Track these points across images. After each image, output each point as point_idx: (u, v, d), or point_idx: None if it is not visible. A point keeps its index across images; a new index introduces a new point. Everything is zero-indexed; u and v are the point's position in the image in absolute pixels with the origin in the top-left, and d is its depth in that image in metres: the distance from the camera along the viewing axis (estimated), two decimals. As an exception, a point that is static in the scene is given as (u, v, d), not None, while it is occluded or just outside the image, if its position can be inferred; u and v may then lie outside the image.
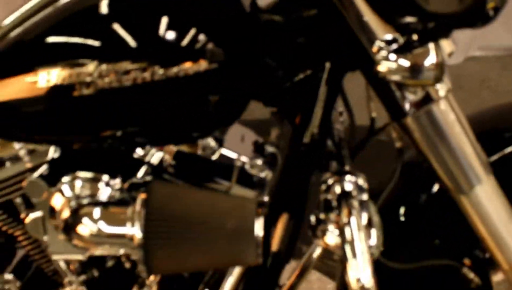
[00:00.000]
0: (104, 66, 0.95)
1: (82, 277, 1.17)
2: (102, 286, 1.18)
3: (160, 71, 0.94)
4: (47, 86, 0.98)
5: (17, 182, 1.12)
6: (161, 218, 0.97)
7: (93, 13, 0.96)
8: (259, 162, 1.09)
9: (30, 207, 1.12)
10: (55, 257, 1.12)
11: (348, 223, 0.91)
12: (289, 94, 1.07)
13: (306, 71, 1.04)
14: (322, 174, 1.07)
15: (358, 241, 0.91)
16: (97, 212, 1.02)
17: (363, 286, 0.90)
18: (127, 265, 1.17)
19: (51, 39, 0.99)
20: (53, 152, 1.09)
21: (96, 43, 0.97)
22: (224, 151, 1.09)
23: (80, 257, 1.11)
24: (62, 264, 1.15)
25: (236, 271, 1.10)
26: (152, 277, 1.15)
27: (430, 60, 0.88)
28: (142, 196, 0.98)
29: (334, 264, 1.20)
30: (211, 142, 1.09)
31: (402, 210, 1.16)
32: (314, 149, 1.06)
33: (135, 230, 0.98)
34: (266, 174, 1.09)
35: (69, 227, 1.04)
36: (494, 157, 1.09)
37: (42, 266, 1.20)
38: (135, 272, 1.19)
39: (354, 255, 0.91)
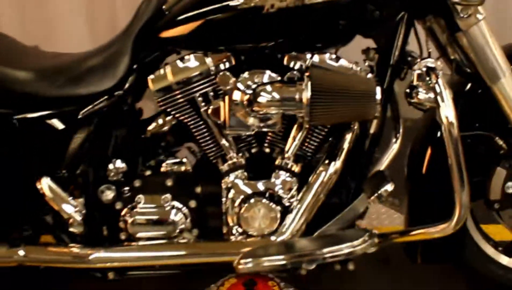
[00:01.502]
0: None
1: (240, 155, 1.75)
2: (251, 164, 1.76)
3: None
4: (244, 7, 1.61)
5: (204, 82, 1.71)
6: (321, 85, 1.59)
7: None
8: (363, 70, 1.74)
9: (208, 102, 1.72)
10: (230, 133, 1.70)
11: (437, 82, 1.57)
12: (380, 31, 1.73)
13: (390, 18, 1.71)
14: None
15: (445, 91, 1.56)
16: (269, 88, 1.63)
17: (451, 121, 1.54)
18: (267, 150, 1.76)
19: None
20: (231, 59, 1.69)
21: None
22: (342, 61, 1.72)
23: (248, 132, 1.70)
24: (227, 145, 1.74)
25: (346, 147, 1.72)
26: (287, 154, 1.74)
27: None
28: (307, 73, 1.61)
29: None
30: (333, 55, 1.72)
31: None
32: (397, 66, 1.72)
33: (304, 94, 1.59)
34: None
35: (251, 101, 1.64)
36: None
37: (208, 151, 1.77)
38: (272, 156, 1.78)
39: (443, 100, 1.56)
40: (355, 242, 1.65)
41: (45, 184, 1.70)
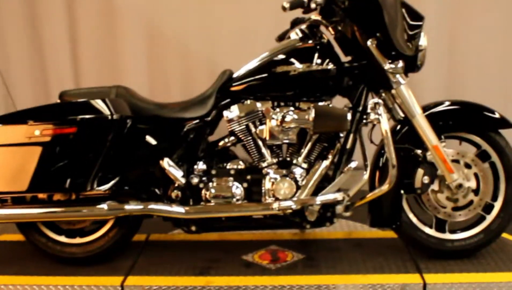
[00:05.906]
0: (302, 64, 3.08)
1: (272, 158, 3.15)
2: (279, 164, 3.16)
3: (314, 66, 3.08)
4: (279, 71, 3.09)
5: (255, 115, 3.13)
6: (319, 111, 2.98)
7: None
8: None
9: (256, 127, 3.16)
10: (269, 143, 3.12)
11: (379, 108, 3.01)
12: (352, 94, 3.21)
13: (357, 86, 3.20)
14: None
15: (383, 113, 3.01)
16: (291, 112, 3.07)
17: (386, 130, 2.97)
18: (288, 158, 3.18)
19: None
20: (269, 103, 3.15)
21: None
22: (330, 105, 3.17)
23: (278, 142, 3.12)
24: (266, 153, 3.16)
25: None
26: (300, 159, 3.15)
27: (400, 64, 3.03)
28: (312, 105, 3.06)
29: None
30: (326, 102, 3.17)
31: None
32: (362, 112, 3.18)
33: (310, 115, 3.00)
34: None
35: (282, 121, 3.08)
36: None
37: (254, 156, 3.13)
38: (290, 161, 3.19)
39: (382, 118, 3.00)
40: (336, 194, 3.00)
41: (166, 161, 3.08)
